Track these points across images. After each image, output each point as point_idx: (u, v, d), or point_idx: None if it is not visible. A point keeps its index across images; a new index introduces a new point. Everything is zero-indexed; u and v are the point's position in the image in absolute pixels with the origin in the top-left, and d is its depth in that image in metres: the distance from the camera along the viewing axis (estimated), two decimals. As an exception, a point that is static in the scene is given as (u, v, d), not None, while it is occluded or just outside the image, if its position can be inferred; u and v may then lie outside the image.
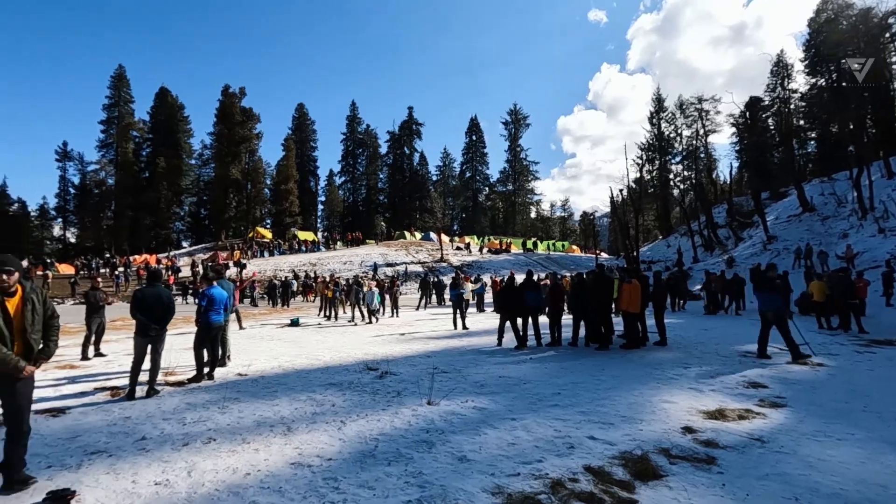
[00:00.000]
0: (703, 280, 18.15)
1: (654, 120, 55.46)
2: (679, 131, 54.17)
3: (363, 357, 8.56)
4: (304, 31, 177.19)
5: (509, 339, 9.86)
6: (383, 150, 79.44)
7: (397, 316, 17.64)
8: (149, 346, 5.77)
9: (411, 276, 35.60)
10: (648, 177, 54.12)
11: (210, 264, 32.69)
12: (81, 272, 32.67)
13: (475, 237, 56.25)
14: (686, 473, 3.43)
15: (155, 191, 58.85)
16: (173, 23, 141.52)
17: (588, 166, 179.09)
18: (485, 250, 48.83)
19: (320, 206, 79.92)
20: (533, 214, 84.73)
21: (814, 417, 4.82)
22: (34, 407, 3.88)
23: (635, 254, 35.23)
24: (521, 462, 3.64)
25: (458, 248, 48.70)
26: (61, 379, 6.77)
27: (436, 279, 27.93)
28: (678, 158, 54.87)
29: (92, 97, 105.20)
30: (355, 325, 14.62)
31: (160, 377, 6.15)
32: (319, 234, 56.59)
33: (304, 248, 46.37)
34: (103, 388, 6.17)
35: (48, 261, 38.98)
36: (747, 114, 44.32)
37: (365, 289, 16.17)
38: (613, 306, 10.15)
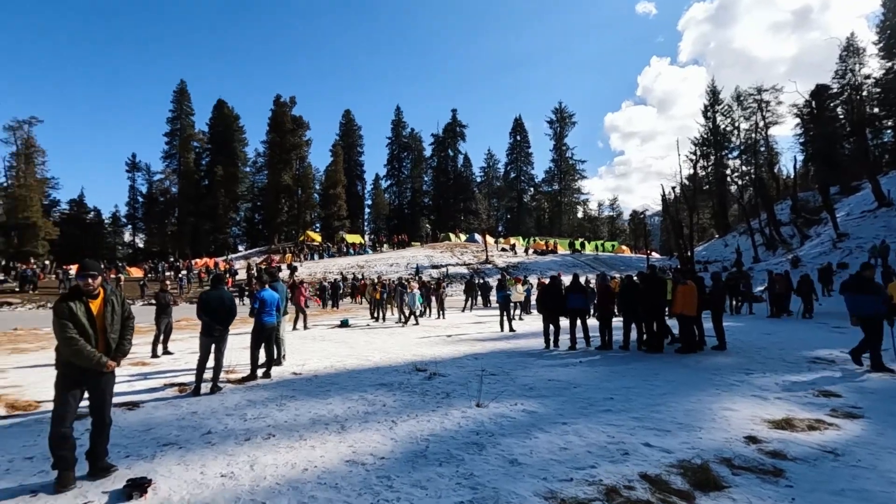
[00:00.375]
0: (766, 281, 17.15)
1: (709, 113, 53.03)
2: (736, 124, 51.52)
3: (411, 358, 8.69)
4: (347, 39, 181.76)
5: (558, 341, 9.72)
6: (427, 152, 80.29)
7: (443, 318, 17.75)
8: (212, 346, 6.11)
9: (456, 277, 35.71)
10: (703, 173, 51.78)
11: (264, 267, 34.15)
12: (149, 275, 34.94)
13: (520, 238, 55.72)
14: (751, 485, 3.26)
15: (213, 198, 62.13)
16: (228, 36, 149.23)
17: (637, 164, 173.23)
18: (530, 251, 48.28)
19: (367, 210, 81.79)
20: (580, 214, 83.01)
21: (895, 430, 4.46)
22: (112, 400, 4.20)
23: (690, 254, 33.79)
24: (573, 467, 3.58)
25: (503, 250, 48.40)
26: (134, 375, 7.29)
27: (481, 281, 27.89)
28: (736, 153, 52.23)
29: (157, 111, 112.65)
30: (402, 326, 14.84)
31: (222, 375, 6.49)
32: (366, 237, 57.87)
33: (351, 250, 47.54)
34: (172, 384, 6.59)
35: (120, 265, 41.96)
36: (813, 103, 41.57)
37: (408, 291, 16.40)
38: (667, 309, 9.78)
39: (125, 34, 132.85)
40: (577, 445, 4.07)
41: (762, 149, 49.75)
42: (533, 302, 17.91)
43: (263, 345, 7.09)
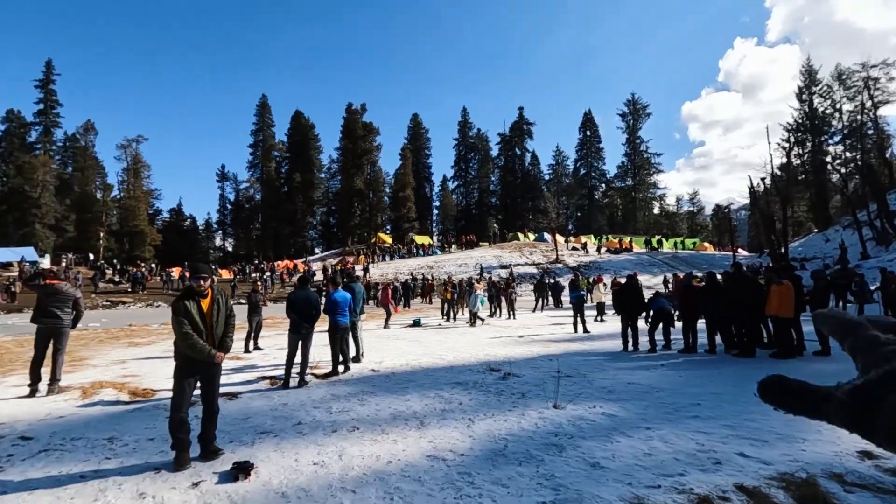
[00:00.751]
0: (878, 280, 15.32)
1: (804, 96, 48.41)
2: (837, 106, 46.48)
3: (484, 358, 8.73)
4: (414, 44, 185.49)
5: (637, 343, 9.34)
6: (494, 152, 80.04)
7: (514, 318, 17.62)
8: (299, 343, 6.53)
9: (525, 277, 35.29)
10: (798, 161, 47.29)
11: (340, 269, 35.78)
12: (237, 277, 37.81)
13: (592, 237, 54.02)
14: (867, 505, 2.96)
15: (292, 203, 66.06)
16: (305, 48, 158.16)
17: (720, 154, 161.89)
18: (603, 250, 46.60)
19: (435, 211, 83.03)
20: (656, 210, 78.82)
21: None
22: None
23: (784, 250, 31.00)
24: (660, 474, 3.44)
25: (574, 249, 47.16)
26: (230, 369, 7.93)
27: (552, 281, 27.37)
28: (837, 138, 47.10)
29: (243, 123, 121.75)
30: (472, 326, 14.93)
31: (307, 370, 6.91)
32: (435, 238, 58.82)
33: (421, 251, 48.51)
34: (263, 378, 7.11)
35: (213, 267, 45.73)
36: (933, 77, 36.49)
37: (473, 291, 16.48)
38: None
39: (214, 55, 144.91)
40: (663, 452, 3.91)
41: (870, 132, 44.43)
42: (608, 302, 17.25)
43: (338, 344, 7.47)
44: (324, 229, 75.53)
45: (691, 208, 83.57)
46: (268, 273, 37.27)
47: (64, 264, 37.50)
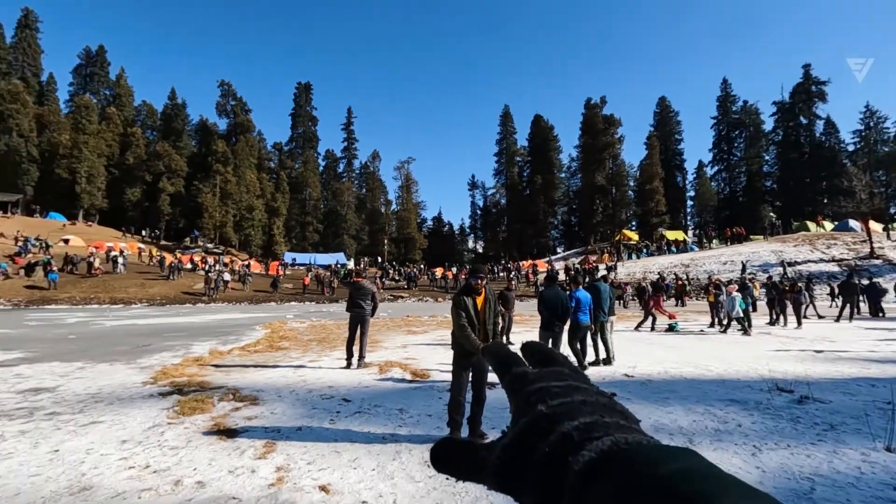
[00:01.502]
0: None
1: None
2: None
3: (767, 374, 7.22)
4: (658, 30, 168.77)
5: None
6: (768, 126, 66.27)
7: (799, 327, 14.16)
8: (549, 340, 6.63)
9: (821, 277, 28.04)
10: None
11: (582, 268, 35.25)
12: (488, 276, 41.21)
13: (932, 221, 39.21)
14: None
15: (534, 204, 68.50)
16: (543, 54, 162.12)
17: None
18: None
19: (689, 203, 73.81)
20: None
21: None
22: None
23: None
24: None
25: (902, 239, 35.08)
26: (488, 359, 8.63)
27: (865, 281, 20.93)
28: None
29: (488, 134, 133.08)
30: (748, 335, 12.58)
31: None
32: (690, 233, 52.20)
33: (673, 248, 43.75)
34: (517, 371, 7.48)
35: (467, 268, 51.05)
36: None
37: (724, 293, 13.84)
38: None
39: (460, 73, 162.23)
40: None
41: None
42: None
43: (577, 342, 7.39)
44: (565, 228, 75.87)
45: None
46: (514, 272, 39.48)
47: (362, 266, 47.71)
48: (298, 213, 69.34)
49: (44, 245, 34.88)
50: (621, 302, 26.52)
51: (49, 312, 19.82)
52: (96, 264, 29.87)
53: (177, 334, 12.37)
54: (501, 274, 40.81)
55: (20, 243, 34.64)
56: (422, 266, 52.94)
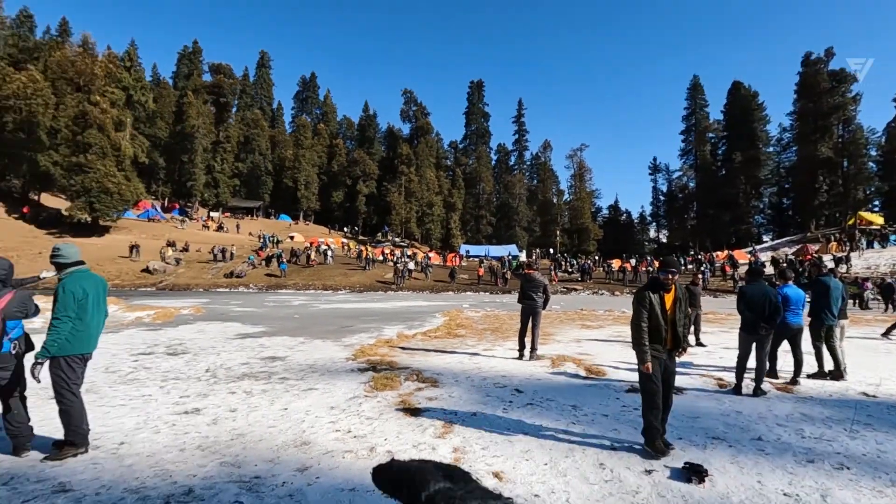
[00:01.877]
0: None
1: None
2: None
3: None
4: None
5: None
6: None
7: None
8: (753, 344, 5.67)
9: None
10: None
11: (797, 259, 29.29)
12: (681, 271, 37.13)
13: None
14: None
15: (732, 186, 59.29)
16: (738, 12, 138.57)
17: None
18: None
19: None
20: None
21: None
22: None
23: None
24: None
25: None
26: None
27: None
28: None
29: (672, 111, 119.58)
30: None
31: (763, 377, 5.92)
32: (971, 213, 39.12)
33: (941, 233, 33.38)
34: (709, 377, 6.59)
35: (648, 258, 46.83)
36: None
37: None
38: None
39: (636, 42, 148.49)
40: None
41: None
42: None
43: (776, 349, 6.20)
44: (774, 213, 63.98)
45: None
46: (706, 264, 34.83)
47: (533, 258, 47.59)
48: (473, 206, 72.91)
49: (276, 241, 43.60)
50: (856, 302, 21.24)
51: (280, 295, 24.64)
52: (312, 256, 36.22)
53: (371, 318, 14.11)
54: (689, 266, 36.39)
55: (261, 240, 43.81)
56: (596, 257, 50.39)
